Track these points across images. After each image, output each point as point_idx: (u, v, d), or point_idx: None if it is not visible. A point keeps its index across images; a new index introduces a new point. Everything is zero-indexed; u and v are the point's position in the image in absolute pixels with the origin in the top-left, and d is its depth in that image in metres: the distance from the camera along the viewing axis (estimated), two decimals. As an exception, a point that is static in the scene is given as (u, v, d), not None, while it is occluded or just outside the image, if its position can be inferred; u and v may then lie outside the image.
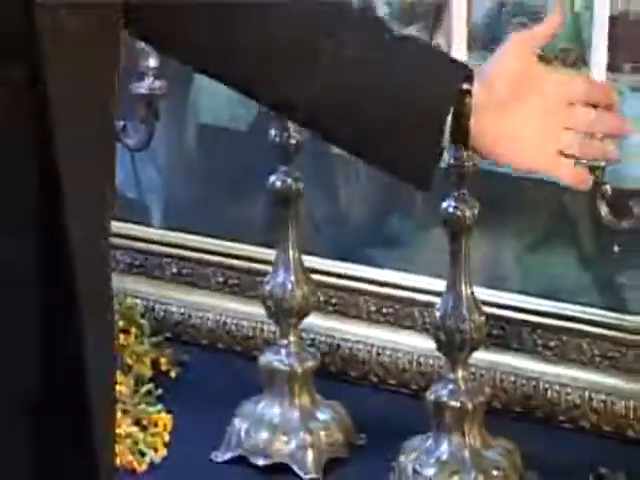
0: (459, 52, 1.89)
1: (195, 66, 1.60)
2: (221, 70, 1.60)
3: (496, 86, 1.55)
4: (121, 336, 2.37)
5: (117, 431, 2.09)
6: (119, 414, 2.15)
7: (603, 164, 1.83)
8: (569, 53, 2.17)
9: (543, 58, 1.62)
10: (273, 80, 1.60)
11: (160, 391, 2.22)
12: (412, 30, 2.32)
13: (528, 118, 1.57)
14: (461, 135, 1.54)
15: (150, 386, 2.23)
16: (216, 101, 2.47)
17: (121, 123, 2.14)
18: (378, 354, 2.28)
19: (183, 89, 2.44)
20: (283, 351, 2.07)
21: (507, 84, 1.56)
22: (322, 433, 2.04)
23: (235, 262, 2.39)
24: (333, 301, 2.30)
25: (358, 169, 2.36)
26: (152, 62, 2.17)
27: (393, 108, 1.58)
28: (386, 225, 2.34)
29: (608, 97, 1.60)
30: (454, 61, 1.62)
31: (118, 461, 2.04)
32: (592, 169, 1.76)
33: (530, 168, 1.59)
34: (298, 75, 1.60)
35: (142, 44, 2.06)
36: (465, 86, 1.54)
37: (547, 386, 2.18)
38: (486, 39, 2.23)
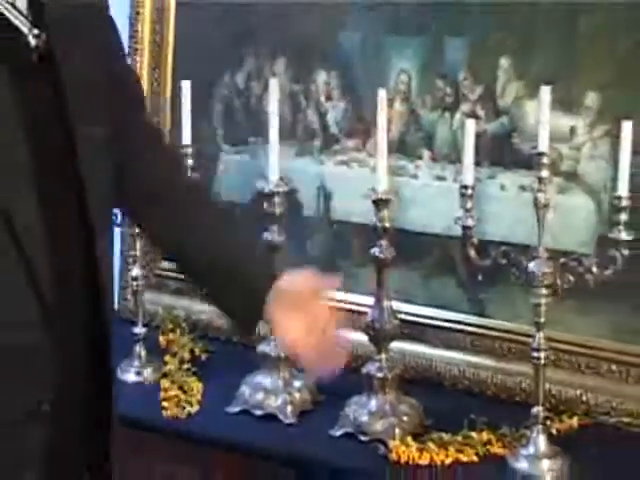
0: (382, 154, 1.93)
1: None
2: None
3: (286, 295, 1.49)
4: (170, 334, 2.32)
5: (168, 394, 2.09)
6: (169, 383, 2.13)
7: (472, 224, 1.86)
8: (450, 155, 2.16)
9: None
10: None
11: (195, 368, 2.21)
12: (352, 141, 2.28)
13: (297, 319, 1.47)
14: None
15: (189, 365, 2.22)
16: (229, 186, 2.40)
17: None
18: (332, 344, 2.27)
19: (209, 180, 2.38)
20: (272, 343, 2.06)
21: (290, 299, 1.49)
22: (297, 394, 2.07)
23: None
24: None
25: (319, 227, 2.32)
26: (189, 162, 2.13)
27: (237, 278, 1.51)
28: (337, 262, 2.31)
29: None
30: (272, 268, 1.57)
31: (168, 413, 2.04)
32: (465, 227, 1.86)
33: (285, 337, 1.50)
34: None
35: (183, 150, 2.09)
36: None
37: (438, 363, 2.19)
38: (399, 147, 2.20)
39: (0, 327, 1.34)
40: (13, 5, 1.36)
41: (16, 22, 1.36)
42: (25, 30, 1.36)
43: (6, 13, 1.36)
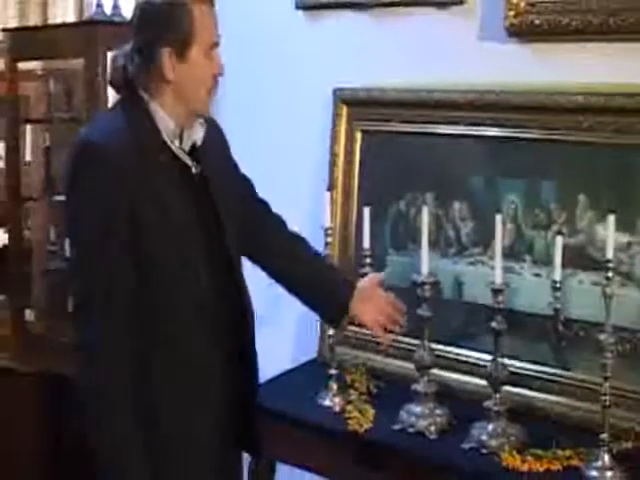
0: (498, 258, 2.05)
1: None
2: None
3: (361, 293, 1.93)
4: (353, 375, 2.42)
5: (351, 415, 2.20)
6: (352, 408, 2.24)
7: (559, 307, 1.98)
8: (544, 260, 2.20)
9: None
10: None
11: (369, 398, 2.33)
12: (477, 249, 2.32)
13: (371, 306, 1.94)
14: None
15: (365, 396, 2.33)
16: (394, 277, 2.40)
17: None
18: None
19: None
20: (422, 383, 2.17)
21: (364, 295, 1.93)
22: (438, 419, 2.16)
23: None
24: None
25: (455, 307, 2.36)
26: (367, 260, 2.26)
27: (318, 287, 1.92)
28: (467, 330, 2.35)
29: (398, 309, 1.95)
30: (344, 278, 1.96)
31: (350, 428, 2.14)
32: (555, 309, 2.00)
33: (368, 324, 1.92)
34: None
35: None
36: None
37: (535, 402, 2.24)
38: (509, 253, 2.24)
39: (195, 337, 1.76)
40: (183, 150, 1.74)
41: (185, 160, 1.74)
42: (190, 164, 1.75)
43: (180, 156, 1.75)
